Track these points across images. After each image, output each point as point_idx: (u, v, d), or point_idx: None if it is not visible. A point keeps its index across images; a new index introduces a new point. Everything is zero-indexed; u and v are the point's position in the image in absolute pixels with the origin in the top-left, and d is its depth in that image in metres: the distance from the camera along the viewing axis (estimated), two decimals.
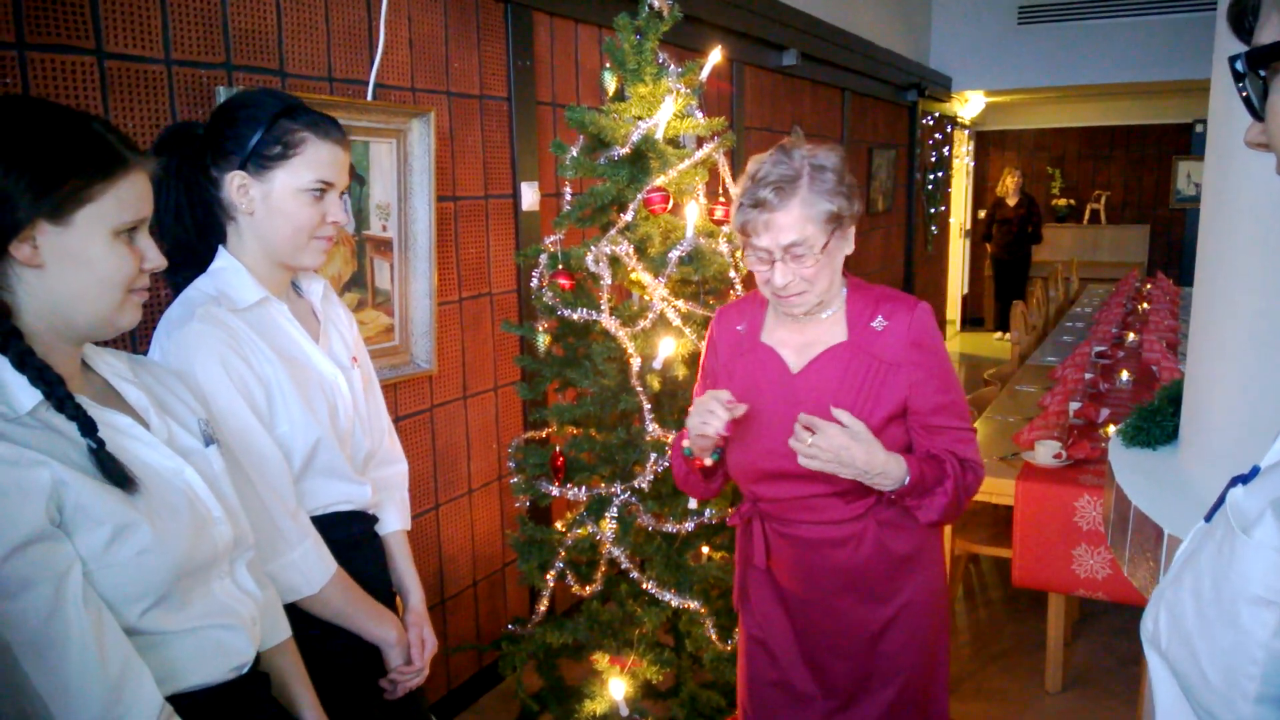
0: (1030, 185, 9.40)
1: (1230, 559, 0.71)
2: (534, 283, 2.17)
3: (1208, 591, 0.73)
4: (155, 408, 1.10)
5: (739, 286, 2.18)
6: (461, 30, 2.60)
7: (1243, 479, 0.75)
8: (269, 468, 1.32)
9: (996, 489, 2.80)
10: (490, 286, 2.81)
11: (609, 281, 2.04)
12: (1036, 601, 3.28)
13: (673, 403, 2.14)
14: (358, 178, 2.27)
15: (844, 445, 1.41)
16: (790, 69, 4.69)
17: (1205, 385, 1.81)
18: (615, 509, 2.07)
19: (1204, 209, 1.86)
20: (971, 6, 7.49)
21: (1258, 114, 0.73)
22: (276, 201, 1.36)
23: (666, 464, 2.04)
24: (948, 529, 2.94)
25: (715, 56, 2.18)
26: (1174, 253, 9.57)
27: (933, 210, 7.90)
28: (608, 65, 2.14)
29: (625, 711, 2.06)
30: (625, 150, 2.04)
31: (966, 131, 9.53)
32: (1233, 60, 0.72)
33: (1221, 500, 0.76)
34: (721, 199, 2.22)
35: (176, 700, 1.01)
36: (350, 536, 1.50)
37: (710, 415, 1.47)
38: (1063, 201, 9.94)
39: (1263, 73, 0.71)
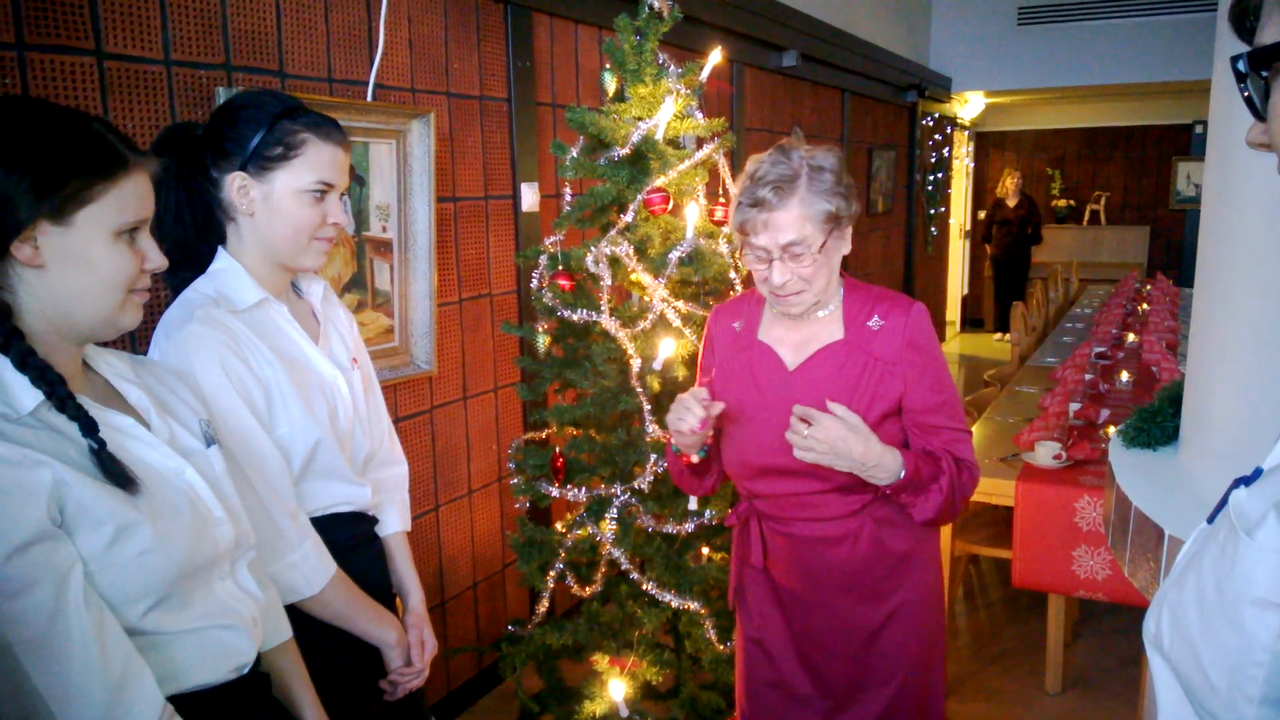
0: (1030, 186, 9.40)
1: (1233, 561, 0.70)
2: (534, 284, 2.16)
3: (1210, 593, 0.73)
4: (156, 408, 1.10)
5: (739, 287, 2.18)
6: (461, 31, 2.60)
7: (1245, 481, 0.75)
8: (269, 469, 1.32)
9: (996, 490, 2.80)
10: (490, 287, 2.81)
11: (609, 282, 2.04)
12: (1036, 602, 3.27)
13: (673, 404, 2.14)
14: (357, 179, 2.27)
15: (840, 436, 1.42)
16: (790, 70, 4.69)
17: (1206, 386, 1.81)
18: (615, 510, 2.06)
19: (1204, 210, 1.86)
20: (971, 7, 7.50)
21: (1259, 114, 0.73)
22: (277, 202, 1.36)
23: (666, 465, 2.04)
24: (947, 529, 2.94)
25: (715, 57, 2.18)
26: (1174, 254, 9.57)
27: (932, 211, 7.91)
28: (608, 66, 2.14)
29: (625, 713, 2.05)
30: (625, 151, 2.03)
31: (966, 132, 9.53)
32: (1234, 60, 0.72)
33: (1224, 502, 0.76)
34: (721, 200, 2.22)
35: (177, 700, 1.01)
36: (350, 538, 1.50)
37: (686, 412, 1.49)
38: (1062, 202, 9.95)
39: (1264, 73, 0.71)
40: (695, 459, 1.61)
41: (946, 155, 8.31)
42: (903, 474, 1.48)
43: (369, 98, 2.28)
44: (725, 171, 2.24)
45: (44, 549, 0.89)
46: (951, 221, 9.04)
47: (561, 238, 2.16)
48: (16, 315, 0.97)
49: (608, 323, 2.02)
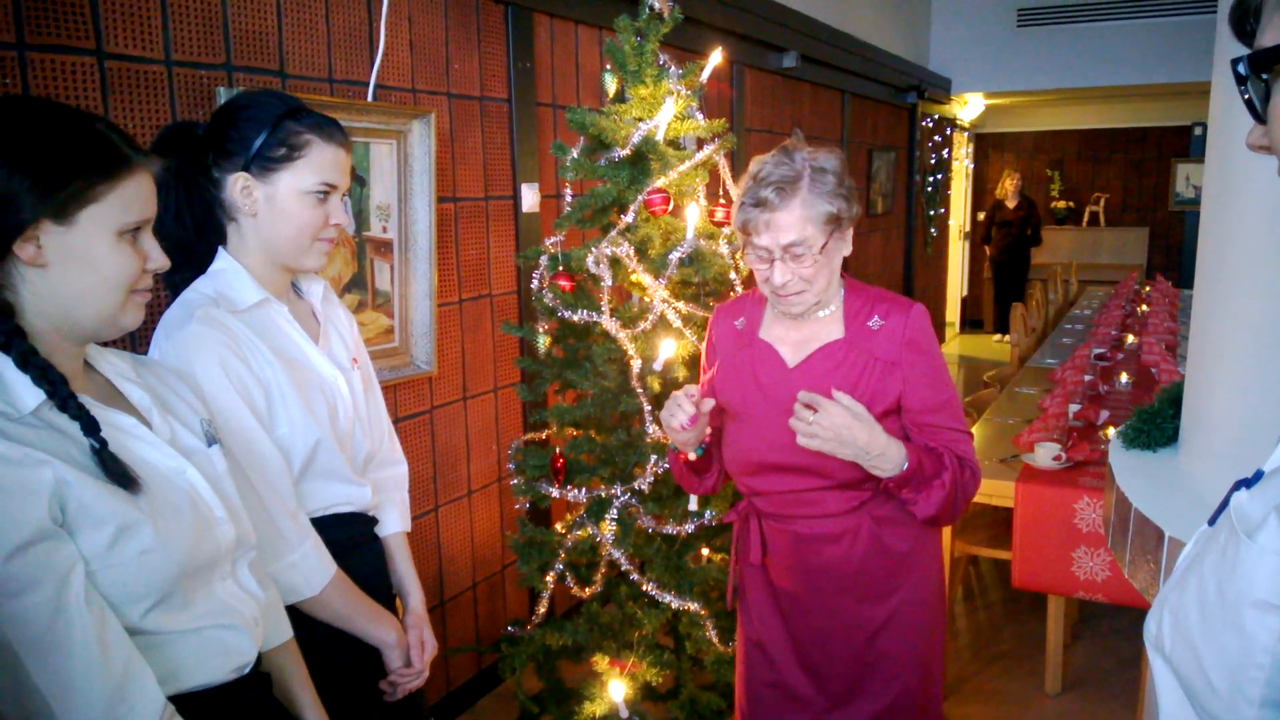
0: (1029, 187, 9.40)
1: (1234, 563, 0.71)
2: (534, 284, 2.16)
3: (1211, 596, 0.73)
4: (158, 408, 1.10)
5: (739, 288, 2.18)
6: (462, 32, 2.60)
7: (1246, 483, 0.75)
8: (269, 469, 1.32)
9: (996, 491, 2.80)
10: (490, 288, 2.81)
11: (609, 283, 2.04)
12: (1036, 603, 3.27)
13: (660, 412, 2.14)
14: (358, 179, 2.27)
15: (845, 424, 1.42)
16: (790, 71, 4.69)
17: (1205, 387, 1.82)
18: (615, 511, 2.07)
19: (1204, 212, 1.86)
20: (971, 9, 7.50)
21: (1259, 116, 0.73)
22: (280, 203, 1.36)
23: (666, 466, 2.04)
24: (947, 530, 2.94)
25: (715, 58, 2.18)
26: (1173, 255, 9.57)
27: (932, 212, 7.91)
28: (608, 67, 2.14)
29: (625, 713, 2.05)
30: (626, 152, 2.04)
31: (966, 134, 9.54)
32: (1235, 63, 0.72)
33: (1225, 504, 0.76)
34: (722, 201, 2.22)
35: (178, 700, 1.01)
36: (350, 538, 1.50)
37: (676, 408, 1.51)
38: (1062, 204, 9.95)
39: (1265, 76, 0.71)
40: (692, 456, 1.63)
41: (946, 156, 8.31)
42: (906, 465, 1.47)
43: (370, 98, 2.28)
44: (725, 172, 2.24)
45: (45, 548, 0.89)
46: (951, 223, 9.04)
47: (562, 238, 2.16)
48: (19, 314, 0.97)
49: (608, 323, 2.02)
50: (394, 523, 1.62)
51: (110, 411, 1.03)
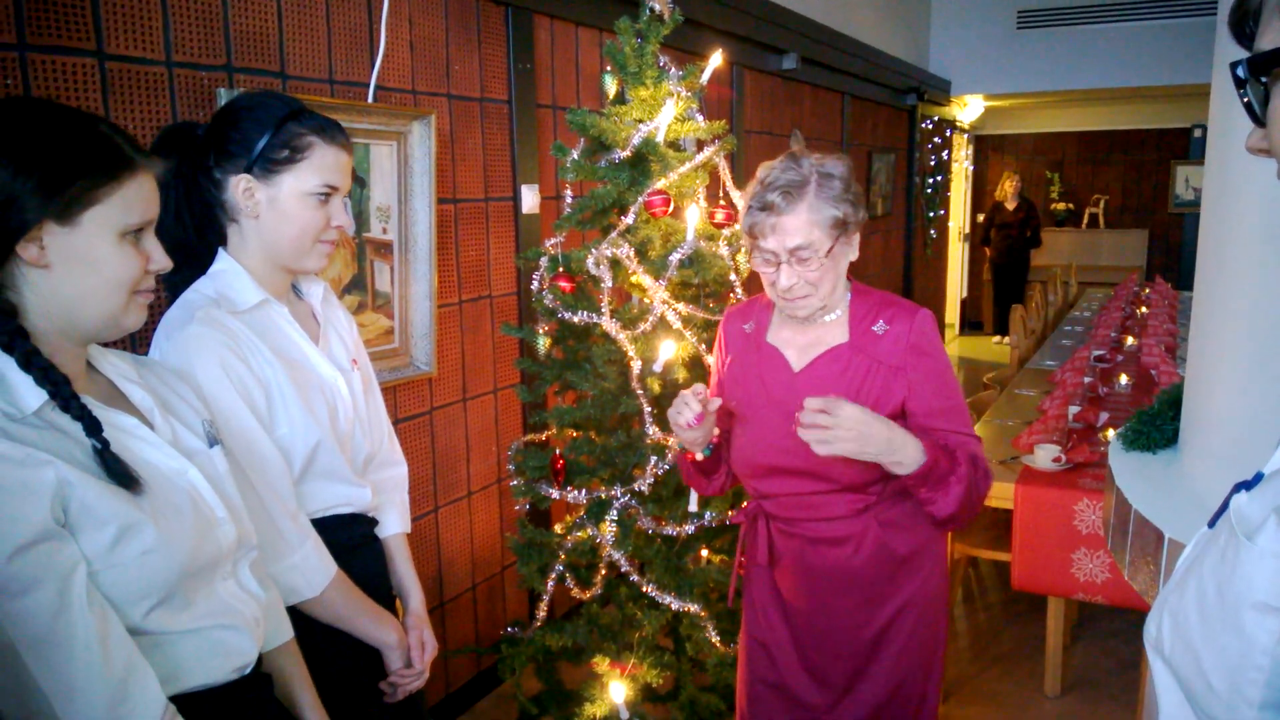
0: (1029, 189, 9.41)
1: (1234, 565, 0.71)
2: (534, 285, 2.17)
3: (1211, 598, 0.73)
4: (160, 408, 1.10)
5: (739, 290, 2.18)
6: (462, 33, 2.60)
7: (1246, 485, 0.75)
8: (269, 470, 1.32)
9: (996, 492, 2.80)
10: (490, 289, 2.81)
11: (609, 284, 2.04)
12: (1036, 605, 3.28)
13: (668, 410, 2.14)
14: (358, 180, 2.27)
15: (865, 420, 1.40)
16: (790, 73, 4.69)
17: (1205, 389, 1.82)
18: (615, 512, 2.07)
19: (1204, 214, 1.87)
20: (971, 11, 7.51)
21: (1259, 120, 0.74)
22: (282, 205, 1.36)
23: (666, 467, 2.05)
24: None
25: (716, 60, 2.18)
26: (1172, 257, 9.58)
27: (932, 214, 7.91)
28: (608, 68, 2.14)
29: (625, 715, 2.05)
30: (626, 153, 2.04)
31: (965, 135, 9.54)
32: (1234, 66, 0.72)
33: (1225, 506, 0.76)
34: (722, 202, 2.23)
35: (179, 701, 1.01)
36: (350, 539, 1.50)
37: (684, 406, 1.51)
38: (1061, 205, 9.95)
39: (1264, 79, 0.71)
40: (699, 457, 1.63)
41: (946, 158, 8.32)
42: (924, 459, 1.45)
43: (370, 99, 2.28)
44: (726, 174, 2.25)
45: (48, 548, 0.90)
46: (951, 224, 9.04)
47: (562, 239, 2.16)
48: (21, 315, 0.97)
49: (608, 325, 2.02)
50: (394, 524, 1.62)
51: (112, 412, 1.03)
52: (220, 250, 1.40)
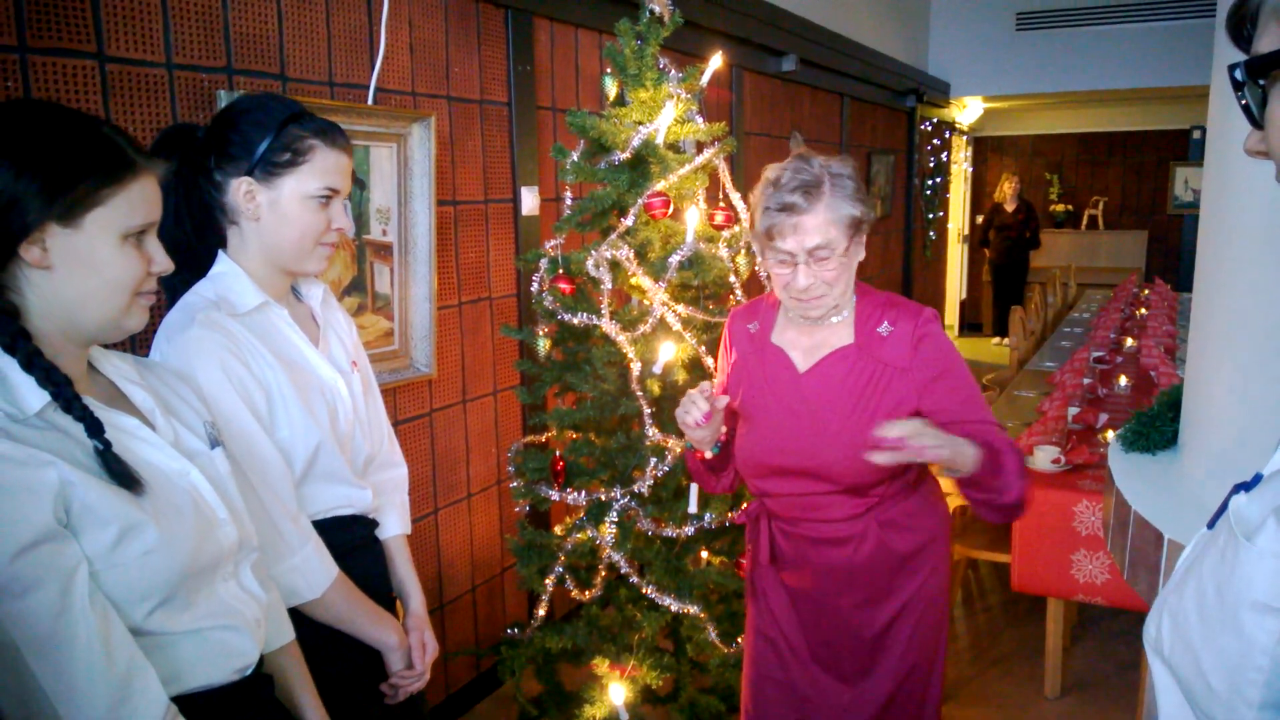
0: (1028, 191, 9.41)
1: (1233, 566, 0.71)
2: (534, 287, 2.17)
3: (1211, 598, 0.73)
4: (161, 410, 1.11)
5: (739, 292, 2.19)
6: (462, 35, 2.60)
7: (1245, 486, 0.75)
8: (270, 472, 1.32)
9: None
10: (490, 291, 2.81)
11: (609, 286, 2.04)
12: (1035, 606, 3.28)
13: (673, 407, 2.14)
14: (358, 182, 2.27)
15: (929, 428, 1.37)
16: (789, 74, 4.70)
17: (1205, 391, 1.82)
18: (615, 513, 2.07)
19: (1203, 215, 1.87)
20: (970, 12, 7.51)
21: (1257, 122, 0.74)
22: (283, 208, 1.36)
23: (666, 468, 2.05)
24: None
25: (715, 62, 2.18)
26: (1172, 258, 9.58)
27: (931, 216, 7.92)
28: (608, 70, 2.15)
29: (625, 717, 2.05)
30: (626, 155, 2.04)
31: (965, 137, 9.54)
32: (1232, 69, 0.73)
33: (1224, 507, 0.76)
34: (721, 204, 2.23)
35: (180, 701, 1.01)
36: (351, 540, 1.50)
37: (691, 405, 1.52)
38: (1060, 207, 9.96)
39: (1262, 81, 0.72)
40: (708, 454, 1.65)
41: (945, 160, 8.32)
42: (979, 449, 1.41)
43: (370, 101, 2.29)
44: (725, 176, 2.25)
45: (50, 549, 0.90)
46: (950, 226, 9.04)
47: (562, 241, 2.16)
48: (24, 316, 0.97)
49: (608, 326, 2.02)
50: (394, 525, 1.62)
51: (114, 413, 1.03)
52: (220, 252, 1.40)
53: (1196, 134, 9.18)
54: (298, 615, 1.33)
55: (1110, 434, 2.97)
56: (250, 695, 1.12)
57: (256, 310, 1.38)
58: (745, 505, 1.76)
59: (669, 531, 2.10)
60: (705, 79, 2.14)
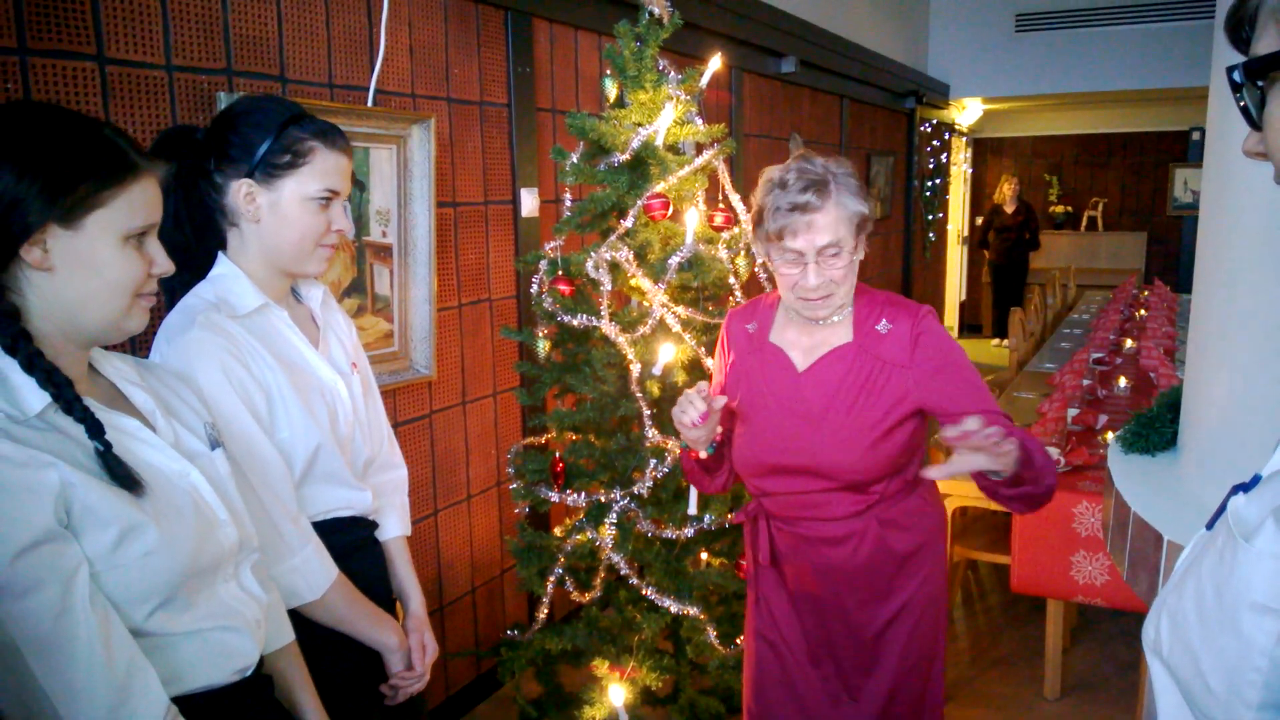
0: (1028, 192, 9.42)
1: (1232, 567, 0.71)
2: (534, 288, 2.17)
3: (1209, 599, 0.73)
4: (161, 411, 1.11)
5: (738, 293, 2.19)
6: (462, 37, 2.60)
7: (1244, 487, 0.75)
8: (270, 473, 1.32)
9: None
10: (490, 292, 2.81)
11: (609, 287, 2.04)
12: (1035, 607, 3.28)
13: (672, 408, 2.14)
14: (358, 183, 2.27)
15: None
16: (789, 76, 4.70)
17: (1204, 392, 1.82)
18: (614, 515, 2.07)
19: (1203, 216, 1.87)
20: (969, 14, 7.52)
21: (1255, 124, 0.74)
22: (284, 210, 1.36)
23: (666, 470, 2.05)
24: (946, 535, 2.94)
25: (715, 63, 2.19)
26: (1171, 260, 9.59)
27: (930, 217, 7.92)
28: (608, 72, 2.15)
29: (625, 718, 2.05)
30: (625, 156, 2.04)
31: (964, 138, 9.55)
32: (1230, 71, 0.73)
33: (1223, 508, 0.76)
34: (721, 205, 2.23)
35: (180, 702, 1.01)
36: (350, 542, 1.50)
37: (689, 405, 1.51)
38: (1060, 208, 9.96)
39: (1260, 83, 0.72)
40: (703, 454, 1.64)
41: (944, 161, 8.33)
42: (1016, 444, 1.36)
43: (370, 103, 2.29)
44: (725, 177, 2.25)
45: (51, 550, 0.90)
46: (949, 227, 9.05)
47: (561, 243, 2.16)
48: (24, 318, 0.98)
49: (607, 328, 2.02)
50: (394, 527, 1.62)
51: (114, 414, 1.04)
52: (220, 254, 1.40)
53: (1196, 135, 9.18)
54: (298, 616, 1.33)
55: (1110, 435, 2.97)
56: (250, 696, 1.12)
57: (256, 312, 1.38)
58: (746, 505, 1.75)
59: (669, 533, 2.10)
60: (705, 80, 2.15)
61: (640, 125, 2.05)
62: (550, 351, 2.20)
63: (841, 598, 1.62)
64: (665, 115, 2.03)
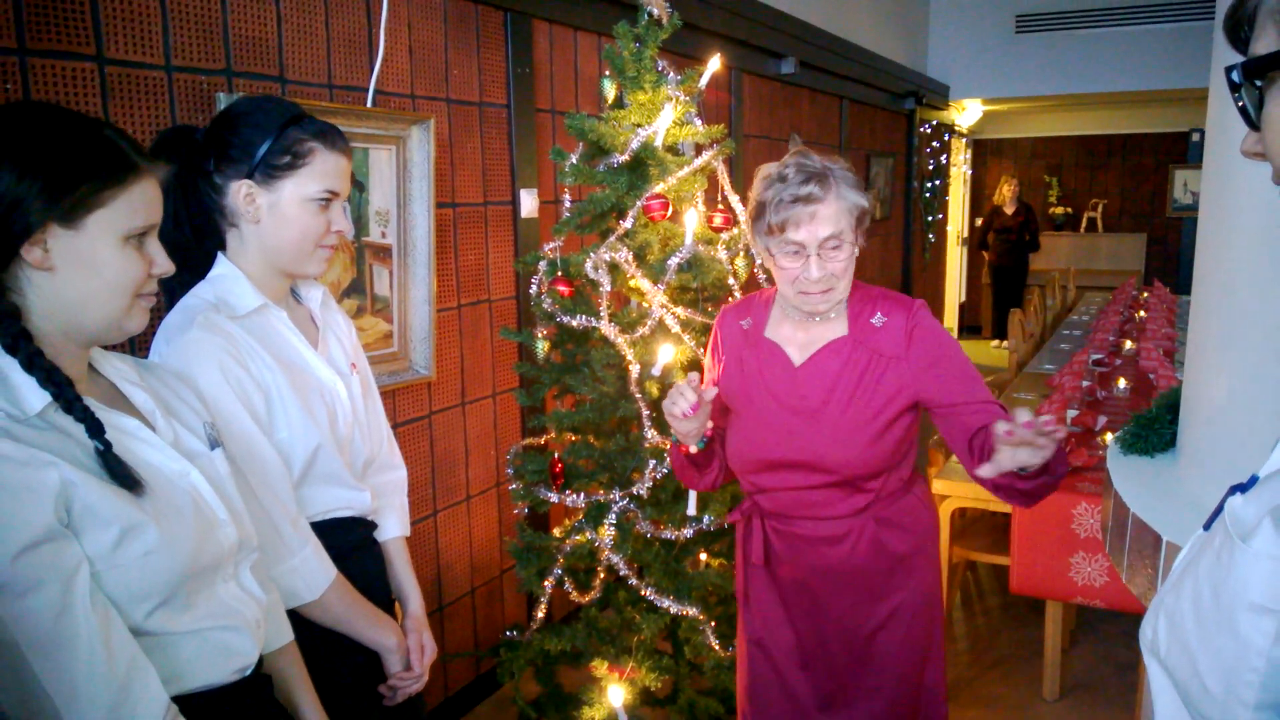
0: (1028, 193, 9.42)
1: (1229, 567, 0.71)
2: (533, 289, 2.17)
3: (1207, 599, 0.73)
4: (161, 411, 1.11)
5: (738, 293, 2.19)
6: (461, 37, 2.61)
7: (1241, 488, 0.75)
8: (269, 474, 1.32)
9: (994, 496, 2.80)
10: (489, 293, 2.81)
11: (608, 288, 2.04)
12: (1034, 608, 3.28)
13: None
14: (357, 184, 2.28)
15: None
16: (789, 77, 4.70)
17: (1203, 393, 1.82)
18: (614, 515, 2.07)
19: (1202, 218, 1.87)
20: (969, 15, 7.52)
21: (1254, 124, 0.74)
22: (283, 210, 1.36)
23: (665, 471, 2.05)
24: (945, 535, 2.94)
25: (714, 64, 2.19)
26: (1171, 261, 9.59)
27: (930, 218, 7.92)
28: (607, 73, 2.15)
29: (624, 718, 2.05)
30: (624, 157, 2.04)
31: (964, 139, 9.55)
32: (1229, 71, 0.73)
33: (1220, 509, 0.76)
34: (720, 206, 2.23)
35: (180, 701, 1.01)
36: (350, 542, 1.50)
37: (679, 396, 1.51)
38: (1060, 210, 9.97)
39: (1259, 83, 0.72)
40: (693, 449, 1.63)
41: (944, 162, 8.33)
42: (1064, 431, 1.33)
43: (369, 104, 2.29)
44: (724, 178, 2.25)
45: (51, 549, 0.90)
46: (949, 229, 9.05)
47: (561, 243, 2.16)
48: (25, 317, 0.98)
49: (607, 328, 2.02)
50: (393, 527, 1.62)
51: (114, 414, 1.04)
52: (219, 255, 1.40)
53: (1195, 136, 9.18)
54: (297, 617, 1.33)
55: (1109, 436, 2.97)
56: (250, 696, 1.12)
57: (255, 312, 1.38)
58: (741, 504, 1.75)
59: (668, 533, 2.10)
60: (704, 81, 2.15)
61: (639, 126, 2.06)
62: (549, 352, 2.20)
63: (837, 596, 1.62)
64: (664, 116, 2.03)
